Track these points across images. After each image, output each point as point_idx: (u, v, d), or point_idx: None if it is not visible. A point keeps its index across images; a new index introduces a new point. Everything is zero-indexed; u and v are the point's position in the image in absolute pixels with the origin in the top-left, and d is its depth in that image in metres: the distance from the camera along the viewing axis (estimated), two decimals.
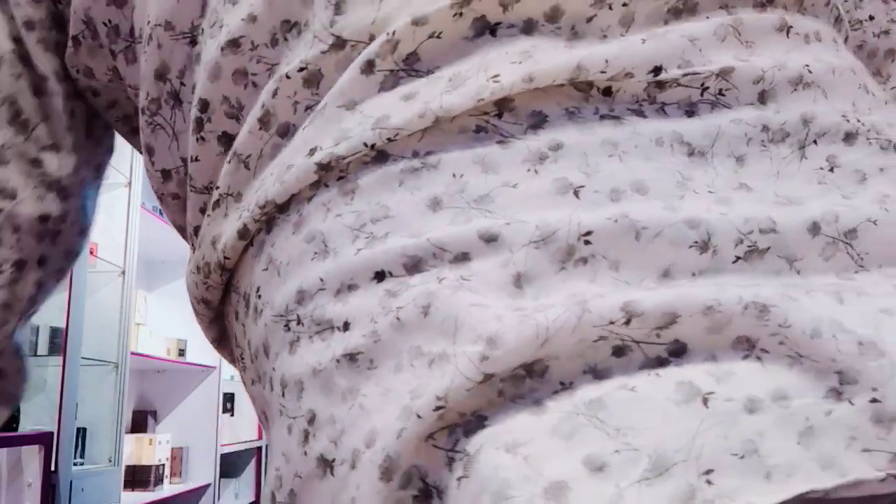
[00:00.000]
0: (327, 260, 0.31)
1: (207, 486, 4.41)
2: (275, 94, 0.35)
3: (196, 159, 0.38)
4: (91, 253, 3.05)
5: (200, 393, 4.45)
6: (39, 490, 2.67)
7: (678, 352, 0.26)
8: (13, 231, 0.42)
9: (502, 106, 0.32)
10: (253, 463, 5.47)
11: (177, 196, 0.43)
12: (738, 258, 0.28)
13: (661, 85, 0.32)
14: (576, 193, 0.29)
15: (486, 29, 0.33)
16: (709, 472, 0.24)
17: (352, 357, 0.29)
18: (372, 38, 0.33)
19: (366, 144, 0.32)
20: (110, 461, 3.22)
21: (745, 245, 0.28)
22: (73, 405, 2.90)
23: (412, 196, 0.31)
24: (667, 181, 0.30)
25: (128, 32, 0.42)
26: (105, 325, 3.22)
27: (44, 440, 2.74)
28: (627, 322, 0.26)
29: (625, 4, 0.33)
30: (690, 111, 0.32)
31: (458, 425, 0.27)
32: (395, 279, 0.30)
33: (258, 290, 0.35)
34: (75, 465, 2.95)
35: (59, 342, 2.95)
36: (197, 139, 0.38)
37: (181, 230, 0.45)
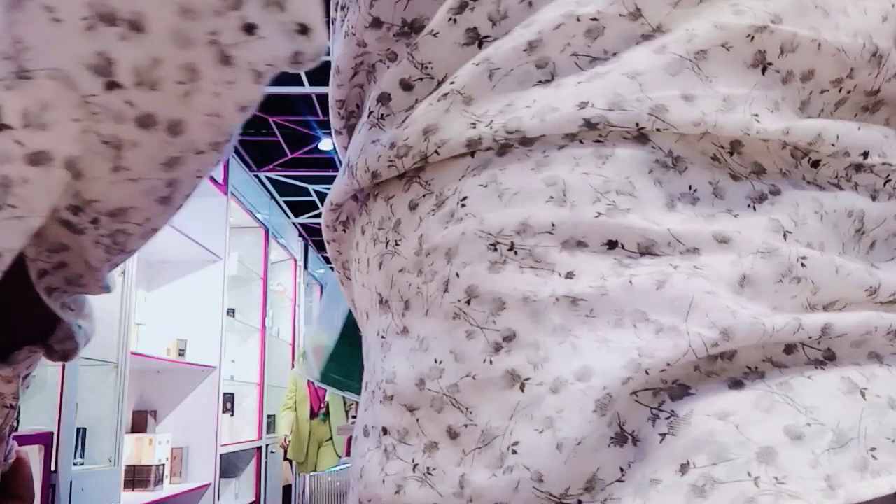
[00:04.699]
0: (563, 209, 0.35)
1: (207, 486, 4.41)
2: (556, 27, 0.37)
3: (434, 34, 0.39)
4: None
5: (200, 393, 4.45)
6: (39, 490, 2.68)
7: (831, 357, 0.33)
8: None
9: (735, 147, 0.36)
10: (253, 463, 5.47)
11: (364, 45, 0.42)
12: (891, 301, 0.36)
13: (858, 168, 0.37)
14: (784, 236, 0.35)
15: (762, 64, 0.37)
16: (873, 449, 0.31)
17: (574, 301, 0.33)
18: (660, 26, 0.36)
19: (637, 125, 0.35)
20: (110, 461, 3.22)
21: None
22: (73, 405, 2.91)
23: (655, 188, 0.35)
24: (837, 249, 0.36)
25: None
26: (105, 325, 3.22)
27: (44, 440, 2.74)
28: (820, 338, 0.33)
29: (849, 91, 0.38)
30: (873, 196, 0.38)
31: (661, 389, 0.32)
32: (626, 253, 0.34)
33: (464, 199, 0.37)
34: (75, 465, 2.95)
35: None
36: (448, 19, 0.39)
37: (336, 74, 0.45)
